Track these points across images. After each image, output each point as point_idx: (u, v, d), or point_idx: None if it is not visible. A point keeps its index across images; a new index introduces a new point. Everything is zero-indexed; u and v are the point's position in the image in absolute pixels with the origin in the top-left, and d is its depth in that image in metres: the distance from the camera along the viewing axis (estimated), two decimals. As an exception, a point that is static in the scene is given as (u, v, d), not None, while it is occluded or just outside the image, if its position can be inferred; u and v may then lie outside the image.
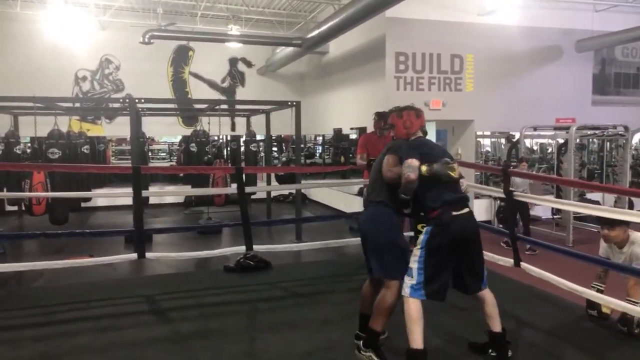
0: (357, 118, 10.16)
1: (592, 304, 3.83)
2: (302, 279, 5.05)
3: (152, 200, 10.57)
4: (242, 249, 4.69)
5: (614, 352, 3.38)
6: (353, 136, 12.09)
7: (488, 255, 4.60)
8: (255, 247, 4.77)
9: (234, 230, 7.45)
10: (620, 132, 8.51)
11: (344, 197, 10.63)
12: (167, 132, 13.36)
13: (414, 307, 2.85)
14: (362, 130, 9.34)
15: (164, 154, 16.36)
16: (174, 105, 11.47)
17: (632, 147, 11.73)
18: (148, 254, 4.40)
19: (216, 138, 12.32)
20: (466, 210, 2.98)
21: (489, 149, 13.79)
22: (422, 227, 3.12)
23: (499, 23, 9.47)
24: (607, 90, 10.92)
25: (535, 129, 9.58)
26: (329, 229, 8.27)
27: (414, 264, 2.92)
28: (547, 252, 4.42)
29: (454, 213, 2.91)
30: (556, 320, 3.91)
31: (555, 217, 8.59)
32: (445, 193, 2.94)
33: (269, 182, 10.59)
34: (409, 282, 2.91)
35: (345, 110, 11.08)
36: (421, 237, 2.97)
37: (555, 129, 9.53)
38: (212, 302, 4.37)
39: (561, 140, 9.19)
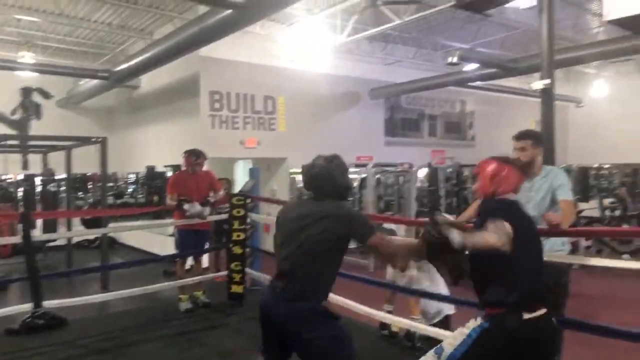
0: (172, 155, 9.86)
1: (384, 325, 4.30)
2: (105, 332, 4.60)
3: None
4: (28, 306, 4.10)
5: (402, 366, 3.83)
6: (169, 173, 11.68)
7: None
8: (47, 302, 4.21)
9: (25, 285, 6.45)
10: (406, 169, 9.88)
11: (157, 238, 10.10)
12: None
13: None
14: (176, 168, 9.10)
15: None
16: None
17: (418, 181, 13.76)
18: None
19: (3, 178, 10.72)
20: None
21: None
22: None
23: (308, 69, 10.30)
24: (396, 133, 12.65)
25: (341, 166, 10.51)
26: (142, 274, 7.72)
27: (449, 347, 2.23)
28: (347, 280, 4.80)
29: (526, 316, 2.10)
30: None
31: (359, 245, 9.44)
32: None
33: (70, 227, 9.51)
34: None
35: (159, 147, 10.68)
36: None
37: (356, 165, 10.61)
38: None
39: (362, 176, 10.26)
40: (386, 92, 11.74)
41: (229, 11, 5.72)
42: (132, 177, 12.53)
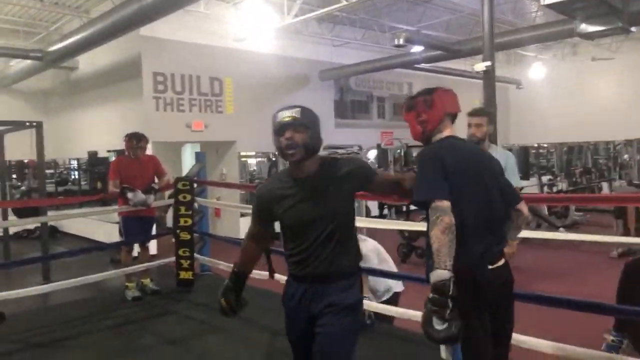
0: (115, 140, 9.45)
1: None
2: (46, 325, 4.39)
3: None
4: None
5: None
6: (113, 159, 11.22)
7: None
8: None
9: None
10: (356, 151, 9.97)
11: (102, 226, 9.73)
12: None
13: None
14: (120, 153, 8.76)
15: None
16: None
17: (370, 162, 13.96)
18: None
19: None
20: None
21: (255, 168, 14.48)
22: None
23: (255, 50, 10.11)
24: (346, 115, 12.72)
25: (291, 148, 10.47)
26: (88, 263, 7.43)
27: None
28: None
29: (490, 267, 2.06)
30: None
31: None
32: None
33: (6, 217, 8.99)
34: None
35: (102, 131, 10.23)
36: None
37: (307, 148, 10.61)
38: None
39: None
40: (335, 73, 11.74)
41: (170, -12, 5.49)
42: (74, 163, 11.99)
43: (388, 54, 11.54)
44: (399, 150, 12.89)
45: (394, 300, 4.23)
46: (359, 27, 11.64)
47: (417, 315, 3.49)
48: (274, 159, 10.93)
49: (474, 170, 2.06)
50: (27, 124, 7.12)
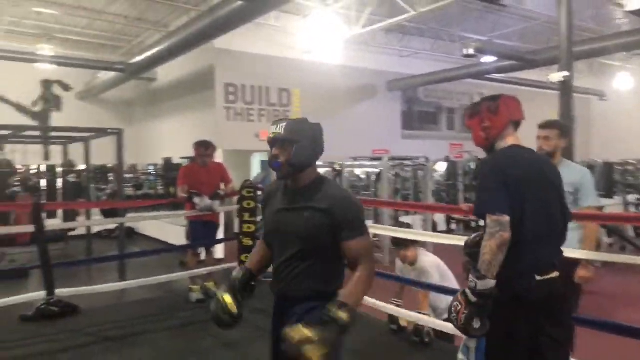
0: (188, 147, 9.92)
1: (392, 319, 4.24)
2: (116, 321, 4.64)
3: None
4: (42, 294, 4.17)
5: (410, 361, 3.77)
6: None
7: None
8: (59, 291, 4.27)
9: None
10: (422, 162, 9.76)
11: (173, 229, 10.20)
12: (-40, 161, 11.31)
13: None
14: (192, 160, 9.17)
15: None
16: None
17: (439, 175, 13.60)
18: None
19: (30, 169, 10.94)
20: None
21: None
22: None
23: (323, 62, 10.24)
24: (414, 126, 12.52)
25: (355, 159, 10.45)
26: (160, 264, 7.81)
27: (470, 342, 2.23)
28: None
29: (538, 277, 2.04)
30: (360, 337, 4.22)
31: (375, 239, 9.40)
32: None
33: (89, 217, 9.67)
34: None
35: (176, 139, 10.77)
36: None
37: (372, 159, 10.54)
38: (4, 357, 3.77)
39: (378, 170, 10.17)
40: (403, 84, 11.60)
41: (240, 2, 5.70)
42: (152, 168, 12.70)
43: (458, 64, 11.26)
44: (470, 164, 12.48)
45: (455, 318, 4.06)
46: (428, 37, 11.45)
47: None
48: (338, 168, 10.95)
49: (536, 182, 2.04)
50: (110, 131, 7.64)
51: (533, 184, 2.02)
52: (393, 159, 9.77)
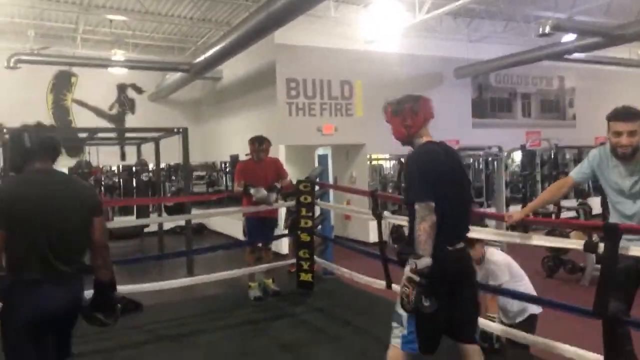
0: (252, 144, 10.02)
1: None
2: (175, 318, 4.70)
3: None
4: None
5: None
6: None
7: (362, 278, 4.62)
8: (121, 287, 4.35)
9: (122, 267, 6.74)
10: (495, 153, 9.14)
11: (240, 225, 10.35)
12: (49, 163, 12.16)
13: None
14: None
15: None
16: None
17: (514, 165, 12.77)
18: None
19: (110, 169, 11.60)
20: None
21: (390, 171, 14.16)
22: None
23: (385, 51, 9.88)
24: (485, 114, 11.80)
25: (422, 150, 10.00)
26: (227, 260, 7.91)
27: (400, 309, 2.47)
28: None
29: (449, 248, 2.51)
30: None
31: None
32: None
33: (161, 214, 10.06)
34: (398, 331, 2.51)
35: (241, 136, 10.87)
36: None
37: (440, 150, 10.03)
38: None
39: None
40: (473, 70, 10.95)
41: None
42: (223, 165, 13.02)
43: (533, 46, 10.41)
44: (551, 152, 11.61)
45: (530, 323, 3.64)
46: (500, 20, 10.71)
47: (557, 346, 2.93)
48: (403, 160, 10.56)
49: (449, 172, 2.54)
50: (175, 130, 7.86)
51: (447, 174, 2.51)
52: (463, 149, 9.23)
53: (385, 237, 9.39)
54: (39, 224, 2.19)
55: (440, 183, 2.43)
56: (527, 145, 11.24)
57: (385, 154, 11.09)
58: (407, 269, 2.32)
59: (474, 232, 3.71)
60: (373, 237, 8.31)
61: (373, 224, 9.39)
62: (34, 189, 2.25)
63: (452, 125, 10.88)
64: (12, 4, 8.62)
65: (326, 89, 9.57)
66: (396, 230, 9.44)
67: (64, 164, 11.56)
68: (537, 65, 11.23)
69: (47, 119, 11.43)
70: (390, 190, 11.16)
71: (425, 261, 2.28)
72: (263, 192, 4.90)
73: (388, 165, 13.26)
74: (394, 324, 2.54)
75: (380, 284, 4.43)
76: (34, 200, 2.22)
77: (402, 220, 5.55)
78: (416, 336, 2.45)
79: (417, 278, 2.28)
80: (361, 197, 9.31)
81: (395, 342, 2.52)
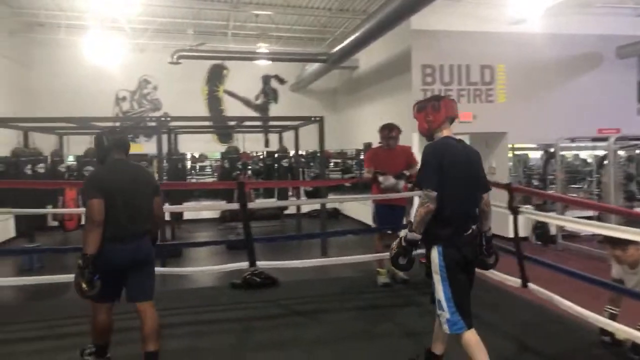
0: (385, 132, 10.03)
1: (604, 330, 3.53)
2: (307, 296, 4.97)
3: (188, 215, 10.81)
4: (244, 265, 4.67)
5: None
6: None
7: (496, 274, 4.40)
8: (260, 263, 4.73)
9: (264, 245, 7.26)
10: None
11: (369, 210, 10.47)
12: (204, 149, 13.53)
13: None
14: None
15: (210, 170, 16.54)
16: (207, 122, 11.74)
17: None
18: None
19: (255, 154, 12.56)
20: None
21: (534, 162, 13.10)
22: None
23: (531, 31, 9.10)
24: (654, 98, 10.24)
25: (573, 140, 9.07)
26: (358, 244, 8.12)
27: (439, 294, 2.74)
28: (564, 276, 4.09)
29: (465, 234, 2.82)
30: (564, 346, 3.63)
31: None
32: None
33: (299, 197, 10.63)
34: (443, 318, 2.75)
35: (375, 124, 10.90)
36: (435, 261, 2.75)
37: (594, 140, 9.00)
38: (208, 319, 4.35)
39: (602, 152, 8.66)
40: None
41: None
42: (352, 153, 13.28)
43: None
44: None
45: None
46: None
47: None
48: (552, 150, 9.68)
49: (461, 164, 2.78)
50: (312, 119, 8.20)
51: (459, 165, 2.76)
52: (623, 138, 8.16)
53: (527, 233, 8.86)
54: (120, 196, 3.02)
55: (449, 174, 2.69)
56: None
57: (532, 144, 10.28)
58: (401, 234, 2.84)
59: (629, 234, 3.28)
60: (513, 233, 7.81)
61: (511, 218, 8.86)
62: (116, 172, 3.13)
63: (612, 111, 9.68)
64: (174, 5, 9.73)
65: (464, 74, 9.16)
66: (541, 226, 8.76)
67: (216, 149, 12.84)
68: None
69: (203, 109, 12.75)
70: (536, 184, 10.34)
71: (415, 236, 2.70)
72: (391, 180, 4.91)
73: (534, 155, 12.28)
74: (438, 312, 2.77)
75: (515, 281, 4.19)
76: (117, 180, 3.07)
77: (544, 217, 5.16)
78: (457, 310, 2.68)
79: (403, 243, 2.76)
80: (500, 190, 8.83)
81: (445, 328, 2.73)
